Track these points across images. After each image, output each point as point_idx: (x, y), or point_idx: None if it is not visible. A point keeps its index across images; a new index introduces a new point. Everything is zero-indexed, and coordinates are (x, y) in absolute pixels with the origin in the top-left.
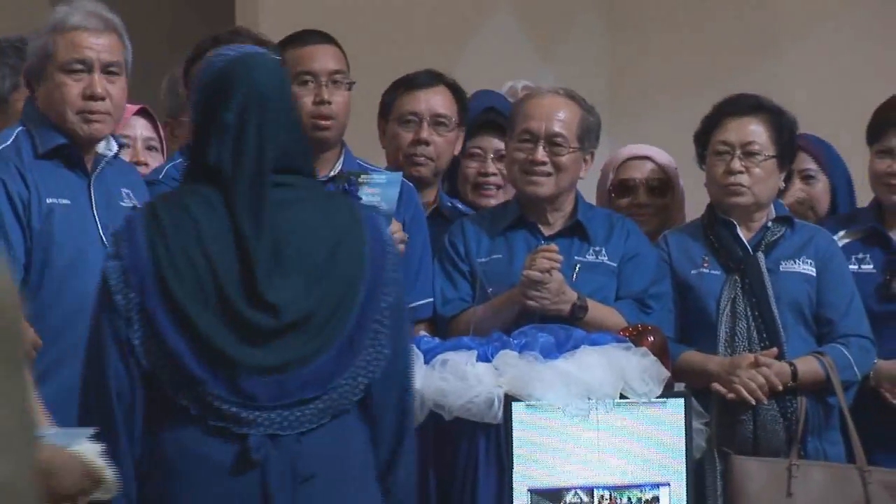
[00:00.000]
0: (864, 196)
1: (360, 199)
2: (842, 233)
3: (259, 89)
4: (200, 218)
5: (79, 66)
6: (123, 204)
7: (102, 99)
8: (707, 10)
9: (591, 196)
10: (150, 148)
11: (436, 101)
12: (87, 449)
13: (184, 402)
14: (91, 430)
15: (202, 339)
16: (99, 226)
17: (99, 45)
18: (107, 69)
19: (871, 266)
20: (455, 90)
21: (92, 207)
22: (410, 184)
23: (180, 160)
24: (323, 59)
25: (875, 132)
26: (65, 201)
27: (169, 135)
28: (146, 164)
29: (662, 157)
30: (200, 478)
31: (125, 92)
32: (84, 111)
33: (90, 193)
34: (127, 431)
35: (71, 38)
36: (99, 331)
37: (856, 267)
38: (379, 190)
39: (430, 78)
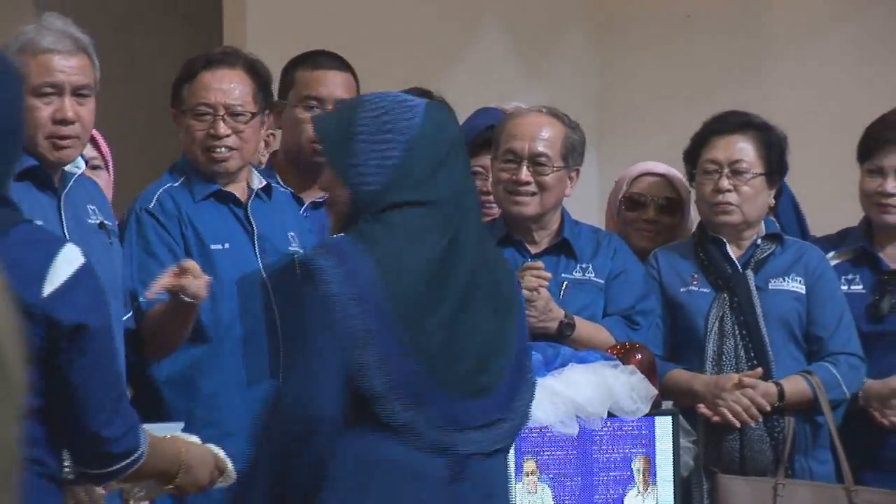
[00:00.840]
0: (849, 212)
1: None
2: (832, 254)
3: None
4: (413, 243)
5: (49, 90)
6: (90, 221)
7: (73, 123)
8: (695, 27)
9: (578, 212)
10: (94, 167)
11: None
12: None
13: (402, 420)
14: (182, 425)
15: (429, 362)
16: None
17: (70, 68)
18: (77, 92)
19: (861, 286)
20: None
21: (62, 226)
22: None
23: (173, 183)
24: (332, 84)
25: (865, 151)
26: (38, 222)
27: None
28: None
29: (677, 177)
30: (411, 489)
31: (93, 113)
32: (54, 136)
33: (60, 213)
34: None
35: (42, 61)
36: (317, 353)
37: (846, 287)
38: None
39: (418, 96)
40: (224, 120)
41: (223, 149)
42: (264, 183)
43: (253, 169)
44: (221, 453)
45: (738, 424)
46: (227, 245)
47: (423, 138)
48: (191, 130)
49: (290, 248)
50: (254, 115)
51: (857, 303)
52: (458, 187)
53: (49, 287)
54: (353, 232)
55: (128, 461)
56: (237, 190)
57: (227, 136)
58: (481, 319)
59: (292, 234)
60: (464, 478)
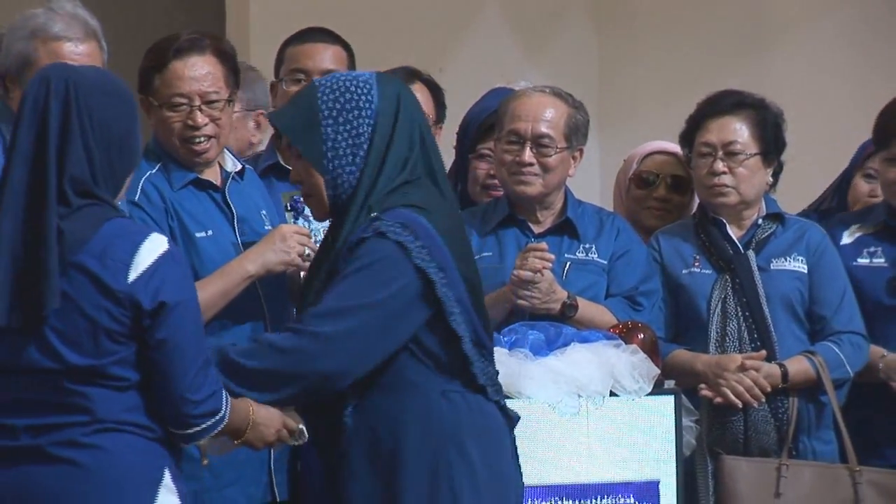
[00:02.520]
0: None
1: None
2: (854, 227)
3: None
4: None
5: None
6: None
7: None
8: (695, 9)
9: (580, 193)
10: None
11: None
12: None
13: (483, 381)
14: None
15: (487, 326)
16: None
17: (79, 56)
18: None
19: (883, 260)
20: (432, 87)
21: None
22: None
23: (151, 170)
24: (318, 57)
25: (881, 140)
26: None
27: None
28: None
29: None
30: (503, 439)
31: None
32: None
33: None
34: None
35: (53, 48)
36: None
37: (867, 261)
38: None
39: (407, 75)
40: (201, 110)
41: (202, 138)
42: (239, 166)
43: (226, 150)
44: (292, 416)
45: (740, 405)
46: (209, 232)
47: (385, 109)
48: (167, 122)
49: (266, 228)
50: (228, 100)
51: (879, 276)
52: (431, 157)
53: (133, 274)
54: (410, 208)
55: (213, 420)
56: (212, 175)
57: (205, 125)
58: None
59: (264, 212)
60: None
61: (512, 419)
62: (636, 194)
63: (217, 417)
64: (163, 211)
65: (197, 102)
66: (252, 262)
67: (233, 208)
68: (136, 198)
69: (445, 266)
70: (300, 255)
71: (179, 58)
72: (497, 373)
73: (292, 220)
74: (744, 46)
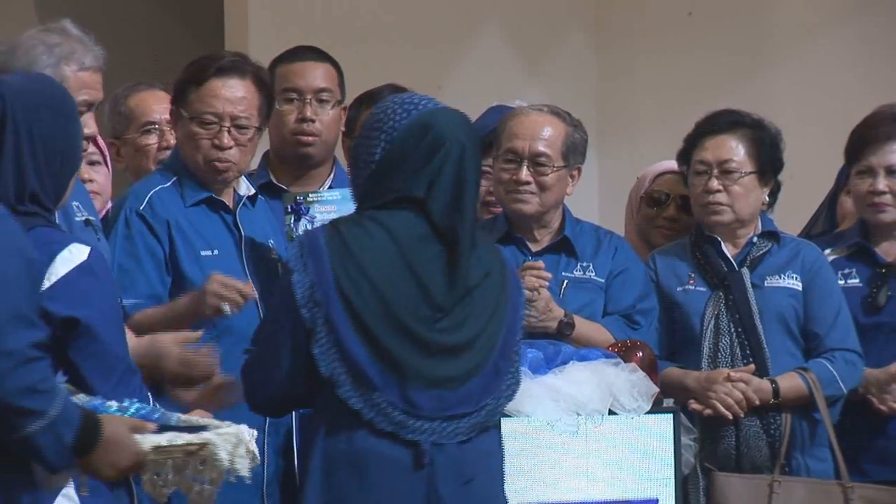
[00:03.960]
0: None
1: (315, 217)
2: (828, 251)
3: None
4: (382, 240)
5: (83, 109)
6: (77, 218)
7: (95, 137)
8: (694, 28)
9: (578, 210)
10: (92, 163)
11: None
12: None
13: (358, 406)
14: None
15: (381, 350)
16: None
17: (98, 84)
18: (94, 107)
19: (858, 280)
20: None
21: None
22: None
23: (164, 184)
24: (310, 76)
25: (852, 153)
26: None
27: (115, 155)
28: (91, 181)
29: None
30: (375, 475)
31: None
32: None
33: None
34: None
35: (82, 78)
36: (276, 338)
37: (843, 282)
38: (335, 207)
39: (393, 93)
40: (229, 131)
41: (225, 160)
42: (252, 191)
43: (243, 176)
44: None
45: (730, 416)
46: (215, 251)
47: (405, 138)
48: (194, 137)
49: (272, 256)
50: (257, 129)
51: (855, 296)
52: (445, 190)
53: (46, 283)
54: (329, 225)
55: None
56: (226, 196)
57: (230, 147)
58: (454, 319)
59: (272, 241)
60: (433, 465)
61: (421, 457)
62: (646, 213)
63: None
64: (165, 224)
65: (227, 123)
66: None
67: (241, 230)
68: (141, 208)
69: (319, 283)
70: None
71: (219, 76)
72: (398, 404)
73: (292, 222)
74: (743, 65)
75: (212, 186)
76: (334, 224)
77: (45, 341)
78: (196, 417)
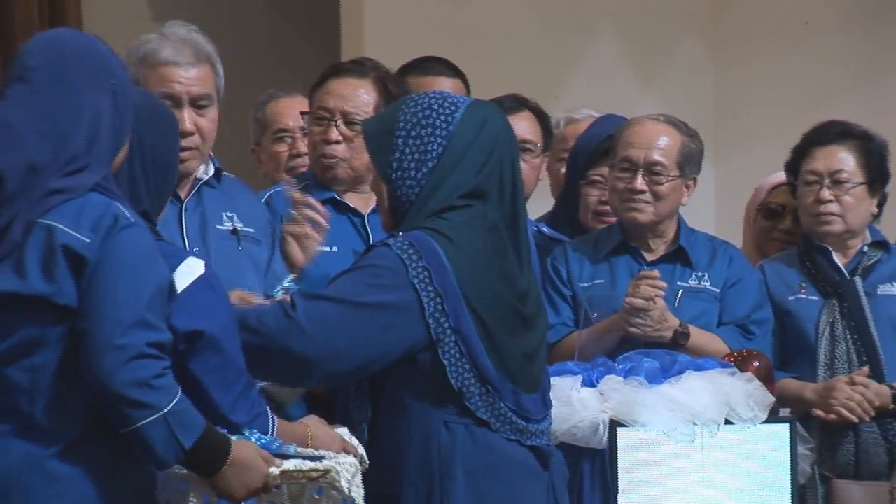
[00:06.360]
0: None
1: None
2: None
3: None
4: (479, 243)
5: (167, 102)
6: (220, 227)
7: (192, 134)
8: (811, 37)
9: (694, 220)
10: None
11: (520, 126)
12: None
13: (486, 416)
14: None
15: (501, 357)
16: (188, 249)
17: (188, 79)
18: (196, 102)
19: None
20: (539, 115)
21: (182, 233)
22: None
23: (283, 187)
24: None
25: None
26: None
27: (256, 162)
28: None
29: None
30: (518, 481)
31: (216, 122)
32: None
33: (181, 220)
34: None
35: (161, 73)
36: (369, 335)
37: None
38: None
39: (515, 103)
40: (338, 126)
41: (331, 156)
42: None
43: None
44: (350, 438)
45: (855, 419)
46: (334, 248)
47: (463, 134)
48: (311, 135)
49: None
50: None
51: None
52: (505, 184)
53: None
54: (424, 230)
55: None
56: (355, 200)
57: (338, 142)
58: (528, 321)
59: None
60: (550, 468)
61: (545, 460)
62: (762, 225)
63: None
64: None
65: (337, 118)
66: None
67: (370, 234)
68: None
69: (445, 292)
70: None
71: (337, 76)
72: (517, 411)
73: None
74: (860, 74)
75: (334, 186)
76: (435, 229)
77: (165, 342)
78: (311, 450)
